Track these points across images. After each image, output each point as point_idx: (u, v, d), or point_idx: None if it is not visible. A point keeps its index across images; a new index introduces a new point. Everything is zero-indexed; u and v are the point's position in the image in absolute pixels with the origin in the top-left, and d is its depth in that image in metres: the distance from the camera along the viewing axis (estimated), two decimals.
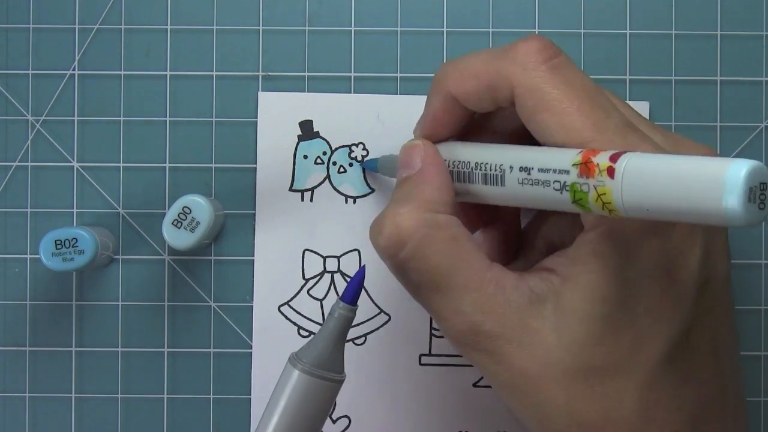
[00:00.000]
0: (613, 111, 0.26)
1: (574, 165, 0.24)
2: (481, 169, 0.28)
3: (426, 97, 0.31)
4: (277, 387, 0.30)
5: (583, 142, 0.25)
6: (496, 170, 0.27)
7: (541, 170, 0.25)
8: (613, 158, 0.23)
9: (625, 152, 0.23)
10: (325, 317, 0.30)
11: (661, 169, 0.22)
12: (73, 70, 0.39)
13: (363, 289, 0.38)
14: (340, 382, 0.30)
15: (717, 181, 0.20)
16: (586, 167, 0.24)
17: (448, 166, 0.29)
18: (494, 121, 0.31)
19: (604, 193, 0.23)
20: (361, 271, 0.30)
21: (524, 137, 0.28)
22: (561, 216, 0.30)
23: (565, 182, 0.24)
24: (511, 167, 0.27)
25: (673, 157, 0.22)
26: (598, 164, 0.23)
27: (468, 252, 0.27)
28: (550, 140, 0.26)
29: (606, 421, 0.26)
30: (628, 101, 0.38)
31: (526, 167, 0.26)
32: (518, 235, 0.33)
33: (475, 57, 0.29)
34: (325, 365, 0.29)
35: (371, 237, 0.29)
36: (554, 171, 0.25)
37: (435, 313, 0.28)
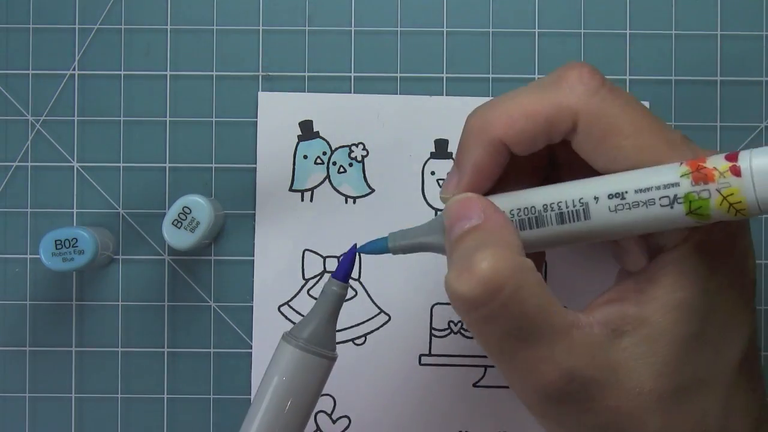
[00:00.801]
0: (669, 128, 0.26)
1: (683, 176, 0.24)
2: (552, 210, 0.27)
3: (456, 153, 0.29)
4: (270, 364, 0.30)
5: (660, 159, 0.25)
6: (575, 205, 0.26)
7: (639, 191, 0.25)
8: (730, 158, 0.23)
9: (740, 151, 0.23)
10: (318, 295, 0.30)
11: None
12: (73, 70, 0.39)
13: (363, 289, 0.38)
14: (333, 359, 0.30)
15: None
16: (700, 174, 0.24)
17: (510, 217, 0.28)
18: (525, 164, 0.30)
19: (732, 194, 0.23)
20: (353, 249, 0.30)
21: (551, 177, 0.28)
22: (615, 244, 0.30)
23: (676, 195, 0.24)
24: (596, 197, 0.26)
25: None
26: (715, 167, 0.23)
27: (551, 297, 0.26)
28: (622, 164, 0.26)
29: None
30: None
31: (617, 192, 0.25)
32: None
33: (520, 96, 0.27)
34: (318, 341, 0.29)
35: (453, 289, 0.26)
36: (658, 187, 0.24)
37: (520, 367, 0.26)
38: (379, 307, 0.38)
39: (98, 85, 0.38)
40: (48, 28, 0.39)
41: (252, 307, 0.38)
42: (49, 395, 0.38)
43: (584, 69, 0.27)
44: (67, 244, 0.35)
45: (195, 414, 0.38)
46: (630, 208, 0.25)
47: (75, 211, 0.38)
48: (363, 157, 0.38)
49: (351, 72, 0.38)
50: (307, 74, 0.38)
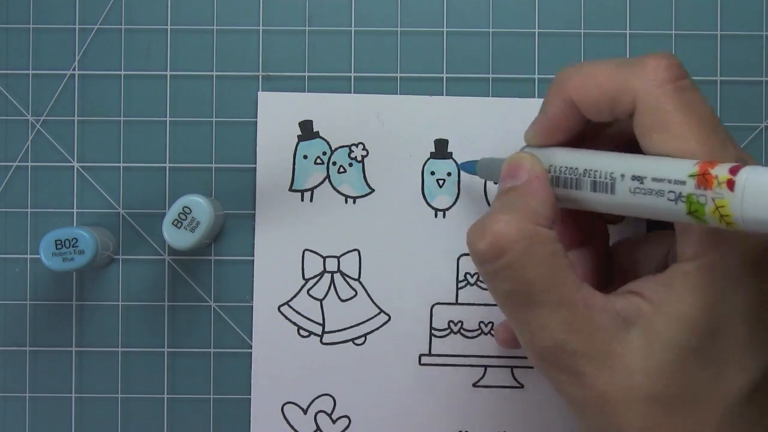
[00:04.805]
0: (730, 144, 0.26)
1: (691, 176, 0.24)
2: (590, 176, 0.28)
3: (542, 99, 0.30)
4: None
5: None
6: (606, 178, 0.27)
7: (655, 180, 0.25)
8: (733, 171, 0.23)
9: (744, 165, 0.23)
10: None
11: None
12: (73, 70, 0.39)
13: (363, 289, 0.38)
14: None
15: None
16: (703, 178, 0.24)
17: (556, 172, 0.29)
18: (609, 130, 0.31)
19: (723, 206, 0.23)
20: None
21: (635, 150, 0.28)
22: (653, 243, 0.31)
23: (680, 193, 0.24)
24: (622, 175, 0.26)
25: None
26: (716, 176, 0.23)
27: (563, 269, 0.27)
28: None
29: None
30: None
31: (639, 176, 0.26)
32: (609, 260, 0.33)
33: (601, 65, 0.28)
34: None
35: (469, 241, 0.28)
36: (669, 181, 0.25)
37: (520, 325, 0.28)
38: (379, 307, 0.38)
39: (98, 85, 0.38)
40: (48, 28, 0.39)
41: (252, 307, 0.38)
42: (49, 395, 0.38)
43: (663, 61, 0.27)
44: (67, 244, 0.35)
45: (195, 414, 0.38)
46: (645, 194, 0.26)
47: (75, 211, 0.38)
48: (363, 157, 0.38)
49: (351, 72, 0.38)
50: (307, 74, 0.38)
